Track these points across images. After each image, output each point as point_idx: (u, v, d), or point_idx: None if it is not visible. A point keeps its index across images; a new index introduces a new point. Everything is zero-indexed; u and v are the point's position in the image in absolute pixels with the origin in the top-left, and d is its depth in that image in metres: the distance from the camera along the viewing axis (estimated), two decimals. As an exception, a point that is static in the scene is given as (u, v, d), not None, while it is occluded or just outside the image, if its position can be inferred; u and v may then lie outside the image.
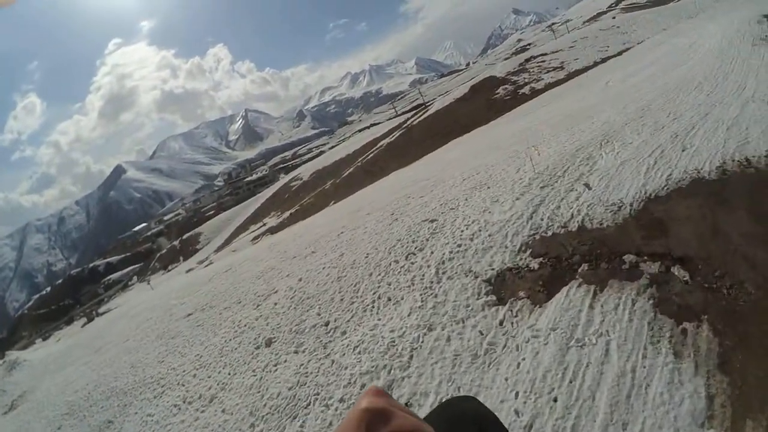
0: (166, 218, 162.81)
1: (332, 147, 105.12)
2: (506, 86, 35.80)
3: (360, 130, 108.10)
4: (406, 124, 46.10)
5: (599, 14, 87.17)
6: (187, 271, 48.01)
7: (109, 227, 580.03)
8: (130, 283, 75.34)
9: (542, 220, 6.68)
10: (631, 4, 78.32)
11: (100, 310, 45.98)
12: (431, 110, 42.36)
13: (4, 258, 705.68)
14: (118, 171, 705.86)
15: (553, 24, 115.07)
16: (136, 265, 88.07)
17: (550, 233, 6.32)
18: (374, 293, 7.34)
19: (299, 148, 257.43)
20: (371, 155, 38.98)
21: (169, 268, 64.90)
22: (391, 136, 43.33)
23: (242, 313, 9.79)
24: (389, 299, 6.90)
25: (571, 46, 39.74)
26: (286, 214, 41.52)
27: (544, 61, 37.63)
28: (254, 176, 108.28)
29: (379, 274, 7.88)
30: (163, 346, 11.16)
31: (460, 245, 7.18)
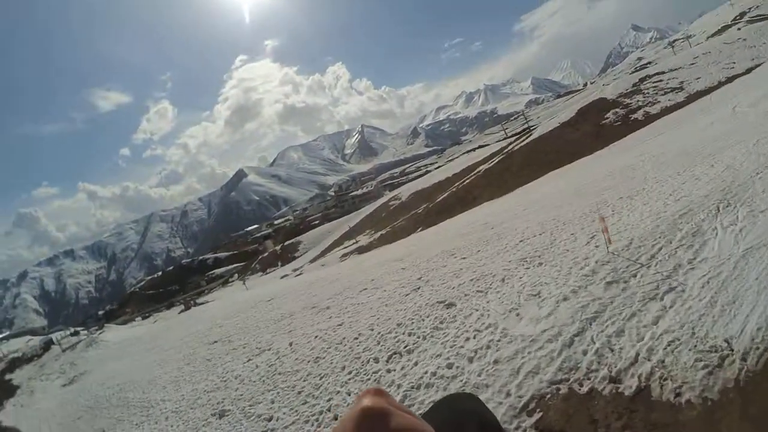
0: (276, 222, 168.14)
1: (439, 166, 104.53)
2: (617, 110, 32.46)
3: (468, 151, 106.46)
4: (507, 149, 44.43)
5: (724, 28, 77.93)
6: (282, 278, 49.67)
7: (227, 224, 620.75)
8: (230, 279, 79.27)
9: (586, 354, 4.42)
10: (758, 16, 69.93)
11: (199, 301, 48.74)
12: (534, 135, 40.31)
13: (128, 240, 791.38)
14: (240, 174, 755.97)
15: (674, 41, 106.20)
16: (240, 264, 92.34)
17: (586, 388, 3.97)
18: (329, 400, 6.30)
19: (408, 165, 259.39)
20: (467, 181, 37.89)
21: (268, 270, 67.55)
22: (490, 162, 41.91)
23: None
24: (335, 418, 5.74)
25: (692, 63, 35.07)
26: (377, 234, 41.51)
27: (661, 81, 33.68)
28: (360, 191, 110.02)
29: (349, 373, 6.84)
30: (178, 371, 11.24)
31: (451, 365, 5.62)
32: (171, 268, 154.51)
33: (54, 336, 45.65)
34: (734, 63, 30.86)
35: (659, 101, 29.07)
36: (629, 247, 6.62)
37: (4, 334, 57.69)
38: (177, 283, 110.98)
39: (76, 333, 42.18)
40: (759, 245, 5.06)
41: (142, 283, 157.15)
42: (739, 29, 43.76)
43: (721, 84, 27.52)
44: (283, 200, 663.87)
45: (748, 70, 27.45)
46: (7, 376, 27.08)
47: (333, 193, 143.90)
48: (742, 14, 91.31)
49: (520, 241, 9.81)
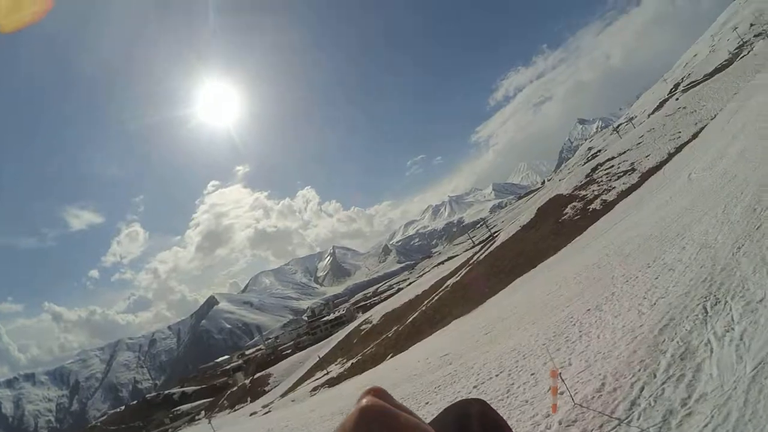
0: (248, 352, 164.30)
1: (410, 282, 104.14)
2: (574, 204, 32.58)
3: (438, 264, 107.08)
4: (473, 260, 44.32)
5: (662, 102, 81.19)
6: (251, 415, 46.40)
7: (197, 354, 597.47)
8: (197, 417, 74.41)
9: None
10: (691, 83, 74.00)
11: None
12: (497, 242, 40.39)
13: (93, 368, 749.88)
14: (211, 302, 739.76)
15: (618, 125, 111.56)
16: (207, 400, 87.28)
17: None
18: None
19: (381, 284, 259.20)
20: (435, 298, 37.13)
21: (236, 407, 63.60)
22: (457, 275, 41.51)
23: None
24: None
25: (639, 143, 35.81)
26: (348, 363, 39.74)
27: (612, 166, 34.27)
28: (332, 315, 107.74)
29: None
30: None
31: None
32: (134, 402, 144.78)
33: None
34: (680, 132, 31.66)
35: (614, 187, 29.30)
36: (601, 391, 5.47)
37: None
38: (140, 419, 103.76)
39: None
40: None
41: (104, 417, 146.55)
42: (677, 99, 45.96)
43: (671, 155, 27.70)
44: (256, 327, 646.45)
45: (695, 135, 27.87)
46: None
47: (306, 318, 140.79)
48: (676, 85, 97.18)
49: (474, 387, 9.04)
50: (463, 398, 0.97)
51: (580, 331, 8.15)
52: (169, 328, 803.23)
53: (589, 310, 8.97)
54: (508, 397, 7.40)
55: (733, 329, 4.73)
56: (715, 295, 5.76)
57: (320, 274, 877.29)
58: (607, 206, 26.62)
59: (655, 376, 4.96)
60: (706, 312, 5.54)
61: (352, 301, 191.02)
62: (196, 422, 66.93)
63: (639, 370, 5.35)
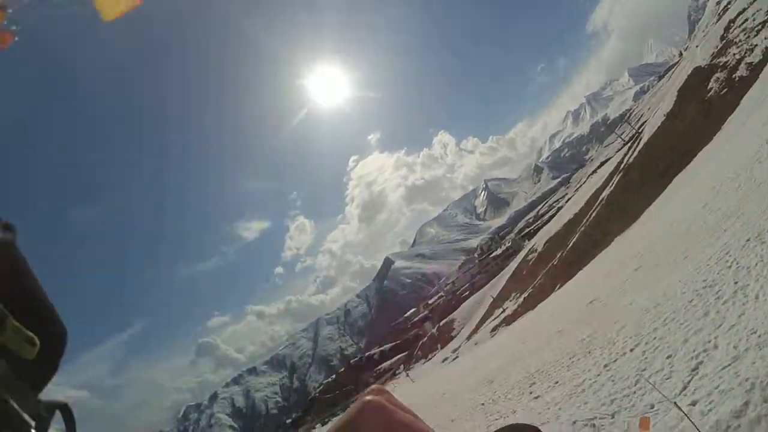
0: (431, 302, 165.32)
1: (568, 199, 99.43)
2: (716, 75, 27.79)
3: (593, 173, 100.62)
4: (622, 165, 40.92)
5: None
6: (443, 361, 48.82)
7: (388, 312, 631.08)
8: (397, 371, 79.21)
9: None
10: None
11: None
12: (644, 139, 36.60)
13: (302, 348, 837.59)
14: (387, 263, 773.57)
15: None
16: (403, 354, 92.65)
17: None
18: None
19: (541, 206, 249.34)
20: (593, 215, 35.33)
21: (429, 356, 67.00)
22: (610, 185, 38.83)
23: None
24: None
25: None
26: (521, 298, 39.74)
27: (746, 20, 28.01)
28: (500, 250, 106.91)
29: None
30: None
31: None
32: (342, 369, 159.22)
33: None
34: None
35: (755, 44, 24.30)
36: (740, 418, 3.68)
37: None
38: (351, 382, 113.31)
39: None
40: None
41: (320, 387, 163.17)
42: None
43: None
44: (435, 275, 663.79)
45: None
46: None
47: (476, 257, 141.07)
48: None
49: (604, 367, 7.89)
50: (517, 423, 1.03)
51: (735, 281, 6.26)
52: (358, 296, 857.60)
53: (749, 240, 7.02)
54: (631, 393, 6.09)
55: None
56: None
57: (479, 210, 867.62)
58: (755, 69, 22.53)
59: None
60: None
61: (517, 229, 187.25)
62: (397, 376, 71.34)
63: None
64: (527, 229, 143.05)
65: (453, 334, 66.43)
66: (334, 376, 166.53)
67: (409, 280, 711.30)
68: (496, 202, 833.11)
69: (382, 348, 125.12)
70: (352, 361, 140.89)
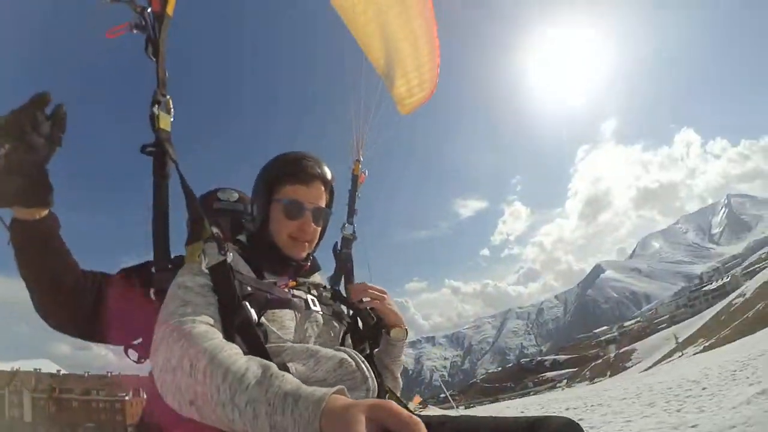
0: (626, 324, 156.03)
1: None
2: None
3: None
4: None
5: None
6: (605, 391, 44.57)
7: (582, 323, 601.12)
8: (558, 384, 75.78)
9: None
10: None
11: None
12: None
13: (485, 333, 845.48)
14: (597, 270, 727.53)
15: None
16: (572, 369, 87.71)
17: None
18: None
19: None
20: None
21: (594, 380, 62.03)
22: None
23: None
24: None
25: None
26: (700, 348, 33.60)
27: None
28: (714, 285, 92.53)
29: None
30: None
31: None
32: (510, 365, 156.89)
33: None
34: None
35: None
36: None
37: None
38: (512, 381, 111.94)
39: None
40: None
41: (484, 376, 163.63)
42: None
43: None
44: (644, 296, 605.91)
45: None
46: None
47: (693, 287, 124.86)
48: None
49: None
50: (555, 415, 1.25)
51: None
52: (556, 297, 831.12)
53: None
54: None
55: None
56: None
57: (714, 231, 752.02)
58: None
59: None
60: None
61: (747, 262, 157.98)
62: (556, 389, 68.21)
63: None
64: (757, 266, 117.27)
65: (628, 364, 61.71)
66: (500, 369, 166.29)
67: (615, 295, 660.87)
68: (737, 224, 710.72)
69: (556, 357, 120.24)
70: (522, 361, 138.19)
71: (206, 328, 1.07)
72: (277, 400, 0.82)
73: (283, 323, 1.35)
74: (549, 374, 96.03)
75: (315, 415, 0.76)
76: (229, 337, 1.11)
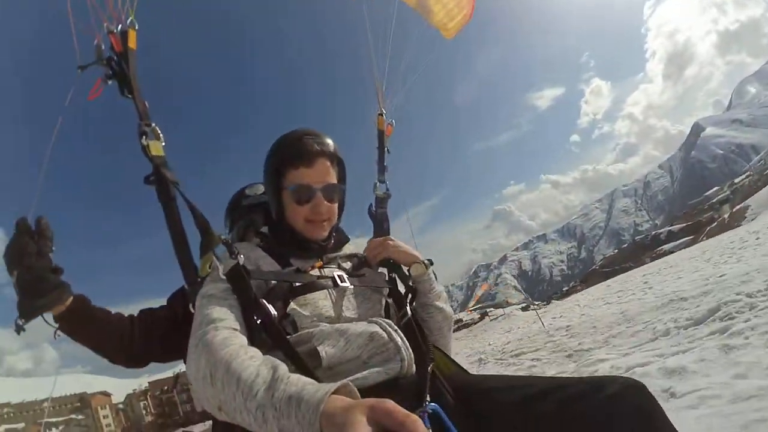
0: (737, 181, 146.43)
1: None
2: None
3: None
4: None
5: None
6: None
7: (692, 188, 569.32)
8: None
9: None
10: None
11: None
12: None
13: (594, 219, 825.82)
14: (696, 129, 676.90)
15: None
16: (687, 238, 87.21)
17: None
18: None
19: None
20: None
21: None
22: None
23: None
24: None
25: None
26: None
27: None
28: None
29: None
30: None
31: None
32: (625, 245, 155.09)
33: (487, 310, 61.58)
34: None
35: None
36: None
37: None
38: (631, 260, 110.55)
39: (525, 308, 53.61)
40: None
41: (602, 261, 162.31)
42: None
43: None
44: (751, 148, 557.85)
45: None
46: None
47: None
48: None
49: None
50: (610, 375, 1.30)
51: None
52: (660, 167, 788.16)
53: None
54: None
55: None
56: None
57: None
58: None
59: None
60: None
61: None
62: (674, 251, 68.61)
63: None
64: None
65: (742, 222, 61.60)
66: (615, 251, 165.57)
67: (720, 152, 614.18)
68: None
69: (670, 228, 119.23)
70: (637, 239, 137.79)
71: (226, 335, 1.13)
72: (282, 404, 0.85)
73: (316, 305, 1.39)
74: (666, 247, 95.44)
75: (315, 416, 0.77)
76: (254, 335, 1.22)
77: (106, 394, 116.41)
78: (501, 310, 65.01)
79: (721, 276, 9.23)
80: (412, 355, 1.33)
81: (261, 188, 2.06)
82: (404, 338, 1.35)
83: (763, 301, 5.60)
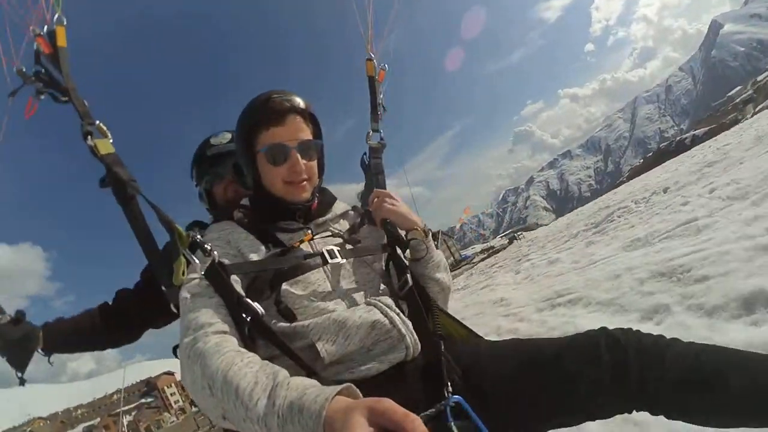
0: (760, 79, 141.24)
1: None
2: None
3: None
4: None
5: None
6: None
7: (715, 89, 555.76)
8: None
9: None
10: None
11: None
12: None
13: (618, 130, 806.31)
14: (714, 27, 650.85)
15: None
16: (712, 140, 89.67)
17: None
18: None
19: None
20: None
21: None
22: None
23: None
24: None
25: None
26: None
27: None
28: None
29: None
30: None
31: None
32: (649, 155, 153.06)
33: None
34: None
35: None
36: None
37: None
38: (657, 167, 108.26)
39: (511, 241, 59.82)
40: None
41: (628, 172, 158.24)
42: None
43: None
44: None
45: None
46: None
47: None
48: None
49: None
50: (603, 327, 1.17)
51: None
52: (681, 69, 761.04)
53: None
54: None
55: None
56: None
57: None
58: None
59: None
60: None
61: None
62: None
63: None
64: None
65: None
66: (641, 160, 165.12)
67: (741, 49, 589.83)
68: None
69: (695, 132, 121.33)
70: (661, 146, 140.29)
71: (218, 340, 1.05)
72: (284, 411, 0.83)
73: (308, 281, 1.30)
74: (691, 151, 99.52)
75: (318, 422, 0.76)
76: (244, 334, 1.13)
77: (170, 374, 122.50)
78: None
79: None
80: (417, 340, 1.24)
81: (228, 136, 2.02)
82: (407, 321, 1.27)
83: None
